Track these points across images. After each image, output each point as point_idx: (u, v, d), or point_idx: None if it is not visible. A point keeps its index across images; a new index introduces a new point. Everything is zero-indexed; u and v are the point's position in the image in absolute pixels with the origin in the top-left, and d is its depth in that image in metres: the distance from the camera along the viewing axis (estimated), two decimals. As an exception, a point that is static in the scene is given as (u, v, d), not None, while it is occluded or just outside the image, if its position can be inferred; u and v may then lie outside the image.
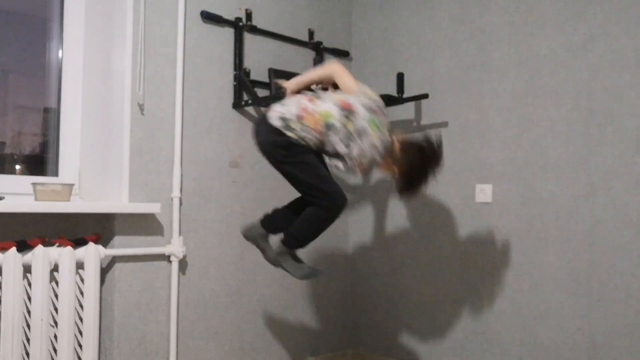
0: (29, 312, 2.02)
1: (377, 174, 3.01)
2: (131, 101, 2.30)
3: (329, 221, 2.02)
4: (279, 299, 2.82)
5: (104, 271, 2.29)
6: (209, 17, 2.55)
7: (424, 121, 2.83)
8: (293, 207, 2.14)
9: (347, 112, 1.93)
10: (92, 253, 2.12)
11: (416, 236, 2.85)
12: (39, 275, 2.00)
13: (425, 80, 2.83)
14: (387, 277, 2.98)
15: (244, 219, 2.67)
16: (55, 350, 2.07)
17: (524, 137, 2.46)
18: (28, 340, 2.02)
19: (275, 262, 2.10)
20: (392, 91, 2.84)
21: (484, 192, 2.59)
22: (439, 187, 2.74)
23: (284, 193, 2.82)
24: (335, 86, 2.10)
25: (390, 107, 2.83)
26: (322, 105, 1.97)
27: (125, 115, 2.29)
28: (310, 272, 2.06)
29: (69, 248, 2.07)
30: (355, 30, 3.21)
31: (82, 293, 2.12)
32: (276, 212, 2.17)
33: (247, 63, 2.70)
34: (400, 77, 2.69)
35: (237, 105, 2.65)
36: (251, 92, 2.63)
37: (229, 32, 2.65)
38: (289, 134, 1.93)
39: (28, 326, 2.02)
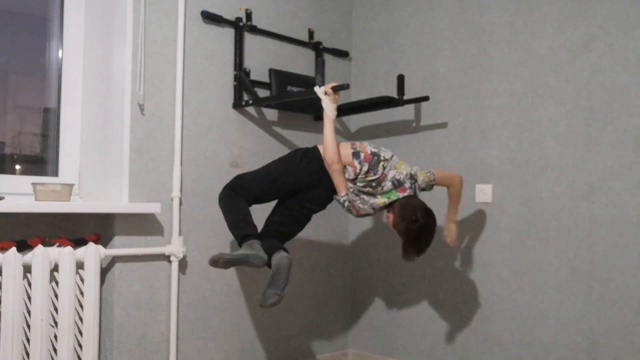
0: (29, 312, 2.02)
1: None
2: (131, 101, 2.30)
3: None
4: (279, 299, 2.82)
5: (104, 271, 2.29)
6: (209, 17, 2.55)
7: (424, 122, 2.83)
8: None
9: None
10: (92, 253, 2.12)
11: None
12: (39, 275, 2.00)
13: (425, 81, 2.83)
14: (387, 277, 2.98)
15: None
16: (55, 350, 2.07)
17: (524, 137, 2.46)
18: (28, 340, 2.02)
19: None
20: (392, 92, 2.84)
21: (484, 192, 2.59)
22: (439, 187, 2.74)
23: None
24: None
25: (391, 108, 2.83)
26: None
27: (125, 115, 2.29)
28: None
29: (69, 248, 2.07)
30: (355, 30, 3.21)
31: (82, 293, 2.12)
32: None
33: (247, 63, 2.70)
34: (400, 80, 2.69)
35: (237, 105, 2.65)
36: (251, 92, 2.63)
37: (229, 32, 2.65)
38: None
39: (28, 326, 2.02)
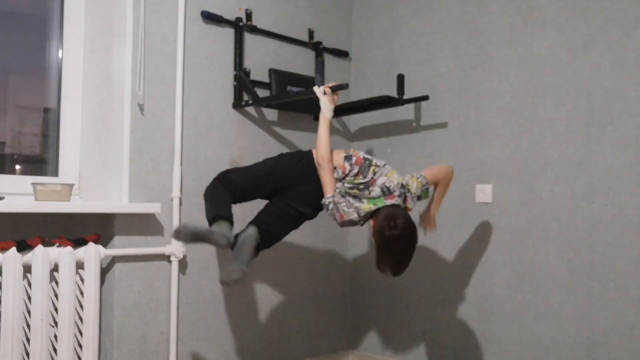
0: (29, 312, 2.02)
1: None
2: (131, 101, 2.30)
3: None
4: (279, 299, 2.82)
5: (104, 271, 2.29)
6: (209, 17, 2.55)
7: (424, 121, 2.83)
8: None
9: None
10: (92, 253, 2.12)
11: (416, 236, 2.85)
12: (39, 275, 2.00)
13: (425, 81, 2.83)
14: (387, 277, 2.97)
15: (244, 219, 2.66)
16: (55, 350, 2.07)
17: (524, 137, 2.46)
18: (28, 340, 2.02)
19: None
20: (392, 92, 2.83)
21: (484, 192, 2.59)
22: (439, 187, 2.74)
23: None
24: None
25: (390, 108, 2.83)
26: None
27: (125, 115, 2.29)
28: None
29: (69, 248, 2.07)
30: (355, 30, 3.21)
31: (82, 293, 2.12)
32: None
33: (247, 63, 2.70)
34: (400, 79, 2.69)
35: (237, 105, 2.65)
36: (251, 92, 2.63)
37: (229, 32, 2.65)
38: None
39: (28, 326, 2.02)
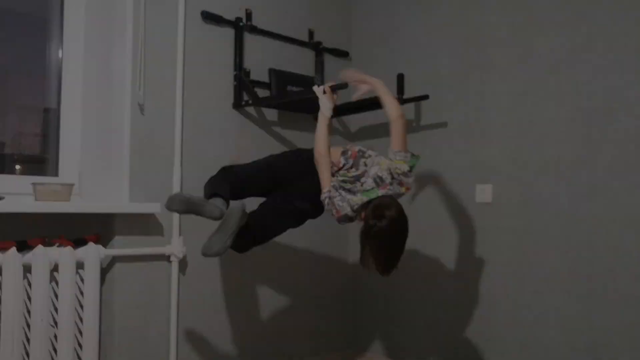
0: (29, 312, 2.02)
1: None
2: (131, 101, 2.30)
3: None
4: (279, 299, 2.82)
5: (104, 271, 2.29)
6: (209, 17, 2.55)
7: (424, 121, 2.83)
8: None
9: None
10: (92, 253, 2.12)
11: (416, 236, 2.84)
12: (39, 275, 2.00)
13: (425, 81, 2.83)
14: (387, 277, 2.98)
15: (244, 219, 2.67)
16: (55, 350, 2.07)
17: (524, 137, 2.46)
18: (28, 340, 2.02)
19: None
20: (393, 92, 2.83)
21: (484, 192, 2.59)
22: (439, 187, 2.74)
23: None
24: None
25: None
26: None
27: (125, 115, 2.29)
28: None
29: (69, 248, 2.07)
30: (355, 30, 3.21)
31: (82, 293, 2.13)
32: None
33: (247, 63, 2.70)
34: (400, 78, 2.69)
35: (237, 105, 2.65)
36: (251, 92, 2.63)
37: (229, 32, 2.65)
38: None
39: (28, 326, 2.02)
